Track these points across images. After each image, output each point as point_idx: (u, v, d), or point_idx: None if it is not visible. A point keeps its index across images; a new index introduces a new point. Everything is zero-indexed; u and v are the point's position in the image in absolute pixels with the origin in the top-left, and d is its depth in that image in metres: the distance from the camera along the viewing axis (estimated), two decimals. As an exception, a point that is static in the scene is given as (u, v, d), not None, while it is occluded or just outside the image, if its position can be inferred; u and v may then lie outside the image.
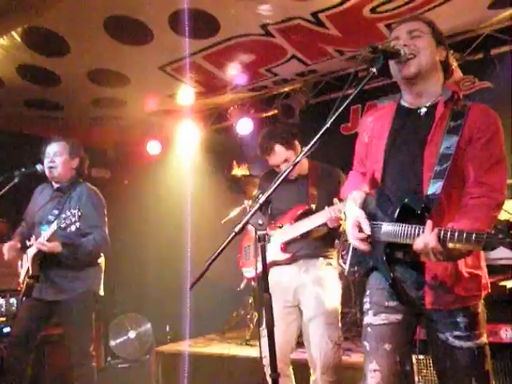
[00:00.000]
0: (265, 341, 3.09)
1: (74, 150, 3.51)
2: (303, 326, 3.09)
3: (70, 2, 3.71)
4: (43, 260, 3.32)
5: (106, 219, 3.50)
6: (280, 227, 3.16)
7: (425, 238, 1.66)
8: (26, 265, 3.42)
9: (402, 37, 1.94)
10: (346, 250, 2.10)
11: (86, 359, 3.33)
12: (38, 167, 3.54)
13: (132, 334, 5.80)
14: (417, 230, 1.74)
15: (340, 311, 3.13)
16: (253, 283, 3.87)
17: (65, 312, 3.35)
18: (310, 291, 3.05)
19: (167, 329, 6.05)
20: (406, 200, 1.84)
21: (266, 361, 3.05)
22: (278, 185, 3.09)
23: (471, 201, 1.79)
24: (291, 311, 3.12)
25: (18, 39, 4.16)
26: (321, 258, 3.13)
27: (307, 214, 3.10)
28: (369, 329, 1.99)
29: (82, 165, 3.56)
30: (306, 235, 3.11)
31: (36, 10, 3.82)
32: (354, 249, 2.04)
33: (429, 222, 1.68)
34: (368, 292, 2.06)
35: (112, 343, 5.71)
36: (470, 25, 4.48)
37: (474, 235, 1.57)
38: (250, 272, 3.37)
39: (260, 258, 3.19)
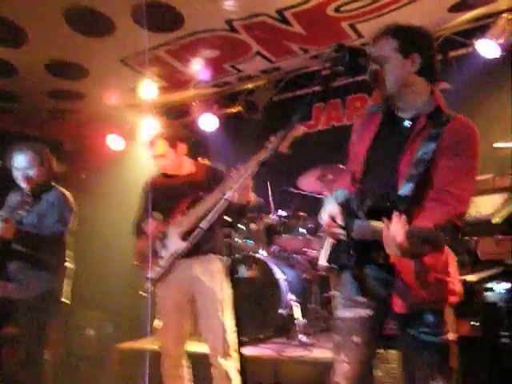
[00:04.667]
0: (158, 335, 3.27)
1: (43, 158, 3.48)
2: (199, 318, 3.22)
3: (28, -9, 3.60)
4: (4, 252, 3.24)
5: (70, 223, 3.46)
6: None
7: (393, 231, 1.64)
8: None
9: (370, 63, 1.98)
10: (322, 246, 2.13)
11: (36, 364, 3.23)
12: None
13: (91, 331, 5.69)
14: (380, 225, 1.74)
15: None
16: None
17: (21, 312, 3.26)
18: (203, 283, 3.21)
19: (127, 326, 5.96)
20: (377, 199, 1.87)
21: (163, 353, 3.25)
22: (162, 187, 3.34)
23: (435, 205, 1.79)
24: (185, 305, 3.28)
25: (-26, 28, 4.02)
26: (211, 254, 3.29)
27: (196, 201, 3.22)
28: (338, 322, 2.05)
29: (51, 167, 3.55)
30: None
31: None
32: (331, 245, 2.07)
33: (395, 214, 1.66)
34: (339, 286, 2.11)
35: (71, 341, 5.58)
36: (431, 27, 4.57)
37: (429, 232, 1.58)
38: (157, 273, 3.28)
39: (162, 255, 3.25)
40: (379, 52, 1.98)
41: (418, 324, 1.91)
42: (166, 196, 3.36)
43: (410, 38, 1.98)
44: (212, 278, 3.23)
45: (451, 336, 1.93)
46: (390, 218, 1.74)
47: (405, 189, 1.84)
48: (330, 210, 2.01)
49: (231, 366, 3.07)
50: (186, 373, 3.30)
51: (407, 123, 1.99)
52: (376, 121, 2.10)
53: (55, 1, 3.78)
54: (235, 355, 3.08)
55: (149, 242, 3.32)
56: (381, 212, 1.81)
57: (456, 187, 1.81)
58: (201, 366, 3.31)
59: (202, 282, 3.21)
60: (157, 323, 3.28)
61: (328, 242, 2.10)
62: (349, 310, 2.01)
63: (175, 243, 3.22)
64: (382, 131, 2.06)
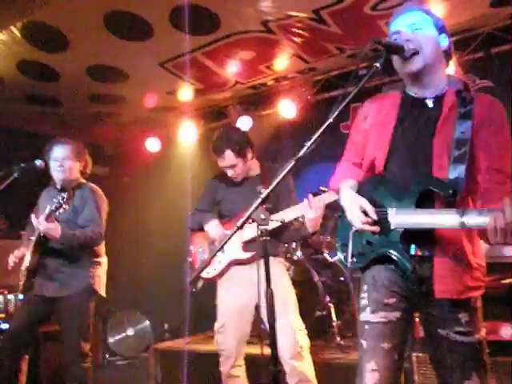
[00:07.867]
0: (220, 337, 3.20)
1: (80, 154, 3.57)
2: (265, 321, 3.05)
3: (69, -3, 3.69)
4: (42, 252, 3.33)
5: (104, 219, 3.52)
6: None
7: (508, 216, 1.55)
8: (25, 259, 3.42)
9: (402, 30, 1.90)
10: (346, 241, 2.04)
11: (79, 358, 3.29)
12: (37, 162, 3.55)
13: (130, 331, 5.79)
14: (456, 213, 1.66)
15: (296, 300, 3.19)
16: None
17: (63, 309, 3.34)
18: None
19: (165, 326, 6.04)
20: (428, 185, 1.80)
21: (223, 354, 3.19)
22: (229, 187, 3.24)
23: (493, 186, 1.77)
24: (248, 308, 3.20)
25: (18, 34, 4.15)
26: (271, 257, 3.16)
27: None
28: (366, 326, 1.93)
29: (85, 167, 3.64)
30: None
31: (35, 4, 3.81)
32: (355, 240, 1.99)
33: (505, 200, 1.57)
34: (365, 288, 1.99)
35: (110, 340, 5.69)
36: (472, 23, 4.47)
37: None
38: (208, 273, 3.26)
39: (219, 259, 3.22)
40: (417, 18, 1.91)
41: (452, 324, 1.84)
42: (230, 197, 3.29)
43: (439, 21, 1.97)
44: (275, 281, 3.12)
45: (483, 332, 1.87)
46: (446, 205, 1.73)
47: (455, 172, 1.78)
48: (359, 204, 1.92)
49: (305, 366, 2.99)
50: (243, 372, 3.28)
51: (431, 102, 1.94)
52: (395, 102, 2.03)
53: (95, 6, 3.87)
54: (308, 355, 3.05)
55: (205, 241, 3.29)
56: (430, 200, 1.79)
57: (505, 164, 1.80)
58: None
59: (263, 286, 3.05)
60: (216, 326, 3.24)
61: (351, 240, 2.01)
62: (377, 314, 1.91)
63: (236, 251, 3.14)
64: (405, 113, 1.98)
